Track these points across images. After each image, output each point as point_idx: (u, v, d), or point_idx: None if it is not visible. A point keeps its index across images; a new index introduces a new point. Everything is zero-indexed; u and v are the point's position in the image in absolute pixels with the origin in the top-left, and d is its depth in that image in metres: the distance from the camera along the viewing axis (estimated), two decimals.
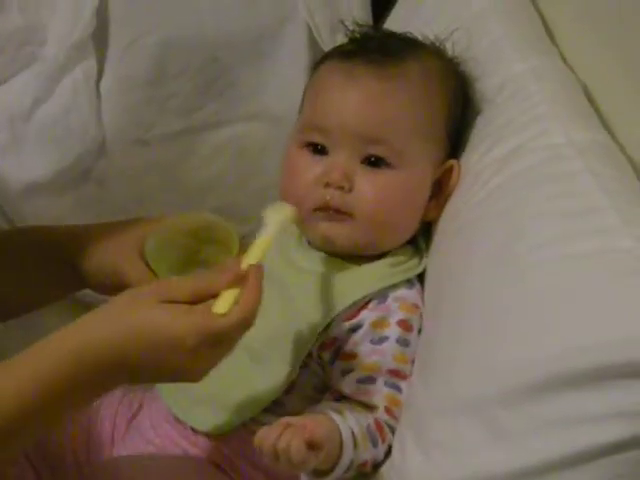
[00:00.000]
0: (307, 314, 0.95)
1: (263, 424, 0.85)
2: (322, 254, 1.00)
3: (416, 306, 0.97)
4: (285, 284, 0.98)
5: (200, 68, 1.25)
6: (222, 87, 1.27)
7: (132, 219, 0.97)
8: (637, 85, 0.92)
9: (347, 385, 0.94)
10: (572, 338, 0.74)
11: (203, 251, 0.92)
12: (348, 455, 0.87)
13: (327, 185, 0.96)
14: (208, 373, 0.81)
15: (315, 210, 0.96)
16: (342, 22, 1.10)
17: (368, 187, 0.96)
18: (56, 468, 1.01)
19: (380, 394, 0.93)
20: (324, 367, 0.97)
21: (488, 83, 1.04)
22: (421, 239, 1.03)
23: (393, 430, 0.92)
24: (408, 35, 1.07)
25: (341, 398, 0.94)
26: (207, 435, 0.98)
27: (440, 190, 1.01)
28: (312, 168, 0.98)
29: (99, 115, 1.21)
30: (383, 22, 1.28)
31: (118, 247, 0.93)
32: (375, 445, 0.90)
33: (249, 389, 0.96)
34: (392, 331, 0.95)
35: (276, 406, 0.95)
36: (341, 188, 0.96)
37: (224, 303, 0.78)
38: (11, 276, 0.98)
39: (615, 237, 0.78)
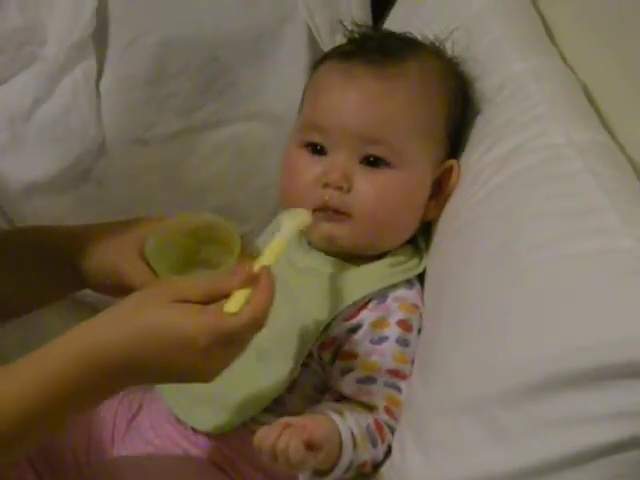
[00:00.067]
0: (310, 314, 0.96)
1: (263, 424, 0.85)
2: (322, 254, 1.00)
3: (416, 306, 0.97)
4: (286, 285, 0.98)
5: (200, 68, 1.25)
6: (222, 87, 1.27)
7: (132, 219, 0.97)
8: (637, 85, 0.92)
9: (347, 385, 0.94)
10: (572, 338, 0.74)
11: (203, 251, 0.92)
12: (347, 456, 0.87)
13: (326, 185, 0.96)
14: (220, 373, 0.80)
15: (315, 211, 0.96)
16: (341, 22, 1.10)
17: (367, 187, 0.96)
18: (56, 469, 1.01)
19: (380, 394, 0.93)
20: (324, 367, 0.97)
21: (488, 83, 1.04)
22: (421, 239, 1.03)
23: (393, 430, 0.92)
24: (407, 35, 1.07)
25: (341, 398, 0.94)
26: (208, 435, 0.98)
27: (440, 190, 1.01)
28: (311, 168, 0.98)
29: (99, 115, 1.21)
30: (383, 22, 1.28)
31: (118, 247, 0.93)
32: (375, 445, 0.90)
33: (252, 387, 0.96)
34: (392, 331, 0.95)
35: (277, 405, 0.95)
36: (340, 188, 0.96)
37: (235, 303, 0.78)
38: (11, 276, 0.98)
39: (615, 237, 0.78)
